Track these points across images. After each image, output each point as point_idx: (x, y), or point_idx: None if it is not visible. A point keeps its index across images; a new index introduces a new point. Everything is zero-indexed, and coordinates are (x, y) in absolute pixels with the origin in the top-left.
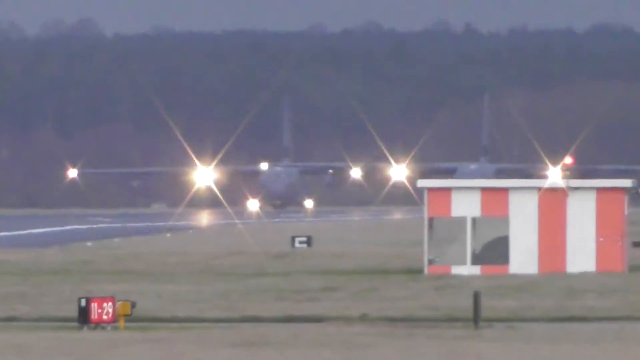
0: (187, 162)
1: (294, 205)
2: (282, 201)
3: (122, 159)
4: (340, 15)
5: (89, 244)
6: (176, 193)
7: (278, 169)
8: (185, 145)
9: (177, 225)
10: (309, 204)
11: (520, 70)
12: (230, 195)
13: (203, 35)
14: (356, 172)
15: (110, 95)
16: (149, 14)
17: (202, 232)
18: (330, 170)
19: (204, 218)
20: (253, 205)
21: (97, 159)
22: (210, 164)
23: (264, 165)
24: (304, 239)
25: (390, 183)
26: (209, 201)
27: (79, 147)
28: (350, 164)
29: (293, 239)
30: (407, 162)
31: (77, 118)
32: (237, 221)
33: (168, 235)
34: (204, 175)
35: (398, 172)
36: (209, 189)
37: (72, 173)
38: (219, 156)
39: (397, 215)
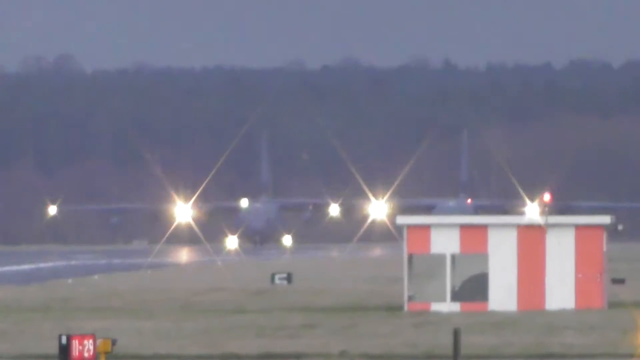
0: (166, 199)
1: (272, 241)
2: (260, 237)
3: (102, 196)
4: (319, 51)
5: (69, 281)
6: (156, 229)
7: (257, 205)
8: (164, 181)
9: (157, 262)
10: (287, 240)
11: (498, 106)
12: (209, 231)
13: (182, 71)
14: (334, 209)
15: (90, 131)
16: (128, 49)
17: (182, 269)
18: (310, 207)
19: (184, 255)
20: (232, 241)
21: (77, 195)
22: (189, 200)
23: (244, 202)
24: (284, 275)
25: (370, 220)
26: (188, 237)
27: (59, 183)
28: (329, 200)
29: (273, 275)
30: (386, 198)
31: (57, 154)
32: (216, 258)
33: (149, 272)
34: (183, 212)
35: (378, 209)
36: (188, 225)
37: (52, 210)
38: (197, 192)
39: (377, 251)
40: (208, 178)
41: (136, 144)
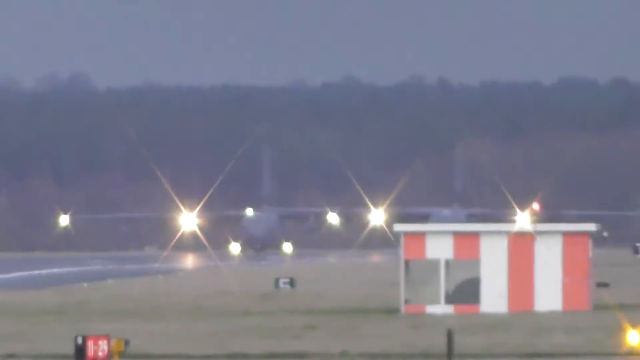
0: (173, 208)
1: (273, 248)
2: (261, 244)
3: (114, 206)
4: (320, 70)
5: (84, 285)
6: (165, 237)
7: (258, 214)
8: (171, 192)
9: (166, 267)
10: (287, 247)
11: (490, 121)
12: (213, 238)
13: (191, 88)
14: (334, 217)
15: (102, 145)
16: (139, 68)
17: (190, 274)
18: (312, 217)
19: (191, 261)
20: (235, 248)
21: (90, 205)
22: (195, 210)
23: (249, 211)
24: (287, 280)
25: (369, 227)
26: (194, 244)
27: (73, 195)
28: (329, 209)
29: (277, 280)
30: (384, 207)
31: (71, 167)
32: (221, 264)
33: (159, 277)
34: (189, 220)
35: (376, 216)
36: (194, 233)
37: (64, 219)
38: (202, 202)
39: (375, 257)
40: (212, 189)
41: (146, 157)
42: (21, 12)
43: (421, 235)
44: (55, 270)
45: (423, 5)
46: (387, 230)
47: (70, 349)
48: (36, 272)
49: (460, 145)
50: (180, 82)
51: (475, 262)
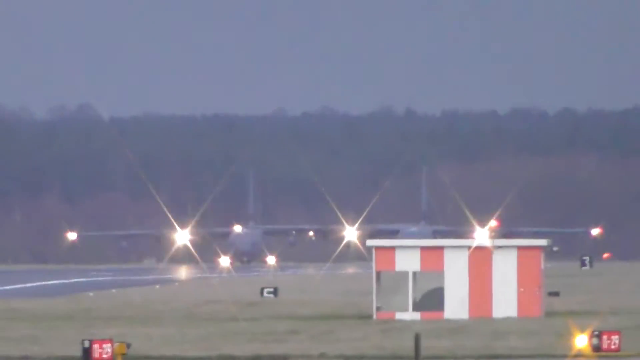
0: (169, 225)
1: (258, 261)
2: (247, 258)
3: (118, 223)
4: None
5: (90, 294)
6: (160, 251)
7: (245, 230)
8: (167, 210)
9: (163, 278)
10: (271, 260)
11: (452, 146)
12: (204, 252)
13: (185, 118)
14: (312, 233)
15: (107, 168)
16: (139, 99)
17: (184, 284)
18: (294, 232)
19: (185, 272)
20: (224, 261)
21: (96, 222)
22: (187, 227)
23: (237, 227)
24: (272, 289)
25: (344, 242)
26: (187, 257)
27: (81, 212)
28: (307, 226)
29: (262, 289)
30: (357, 224)
31: (79, 188)
32: (211, 275)
33: (157, 287)
34: (182, 236)
35: (351, 233)
36: (187, 248)
37: (72, 235)
38: (195, 219)
39: (350, 269)
40: (203, 207)
41: (145, 179)
42: (33, 49)
43: (391, 249)
44: (64, 280)
45: (393, 43)
46: (360, 245)
47: (77, 352)
48: (48, 282)
49: (426, 168)
50: (175, 112)
51: (440, 274)
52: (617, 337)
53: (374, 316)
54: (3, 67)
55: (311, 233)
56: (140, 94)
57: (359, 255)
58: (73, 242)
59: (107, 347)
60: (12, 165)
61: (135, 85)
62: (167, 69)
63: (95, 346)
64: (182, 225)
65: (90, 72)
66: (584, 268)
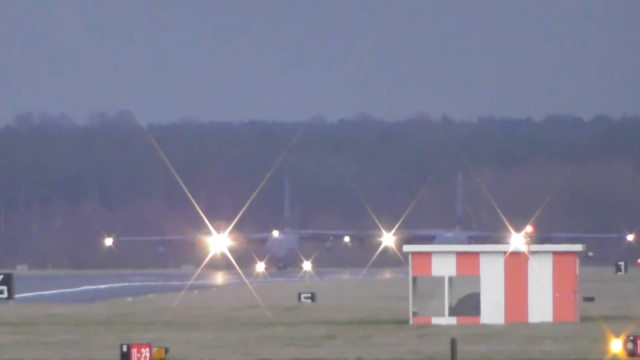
0: (206, 231)
1: (294, 266)
2: (283, 263)
3: (156, 229)
4: (337, 108)
5: (129, 299)
6: (199, 256)
7: (281, 236)
8: (204, 217)
9: (201, 283)
10: (307, 265)
11: (488, 153)
12: (242, 258)
13: (223, 124)
14: (349, 239)
15: (145, 175)
16: (177, 106)
17: (222, 289)
18: (331, 237)
19: (222, 278)
20: (260, 267)
21: (135, 228)
22: (225, 232)
23: (275, 233)
24: (309, 294)
25: (381, 248)
26: (224, 263)
27: (119, 218)
28: (343, 232)
29: (299, 294)
30: (394, 231)
31: (118, 194)
32: (248, 280)
33: (195, 292)
34: (220, 242)
35: (388, 239)
36: (224, 253)
37: (108, 241)
38: (232, 225)
39: (387, 275)
40: (241, 213)
41: (183, 185)
42: (74, 57)
43: (427, 255)
44: (103, 286)
45: (429, 51)
46: (397, 250)
47: (116, 356)
48: (86, 287)
49: (461, 174)
50: (213, 119)
51: (476, 279)
52: None
53: (411, 321)
54: (44, 74)
55: (347, 239)
56: (178, 101)
57: (395, 261)
58: (110, 247)
59: (146, 352)
60: (52, 171)
61: (173, 93)
62: (206, 76)
63: (134, 350)
64: (220, 231)
65: (129, 80)
66: (619, 273)
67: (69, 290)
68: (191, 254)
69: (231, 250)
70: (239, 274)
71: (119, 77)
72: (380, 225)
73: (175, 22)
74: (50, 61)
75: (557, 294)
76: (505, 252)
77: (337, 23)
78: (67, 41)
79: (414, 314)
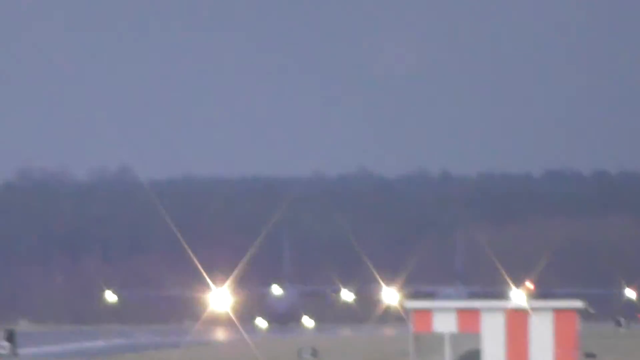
0: (207, 287)
1: (294, 322)
2: (284, 319)
3: (157, 284)
4: (336, 163)
5: (128, 355)
6: (198, 312)
7: (281, 292)
8: (203, 272)
9: (201, 339)
10: (307, 321)
11: (486, 208)
12: (242, 313)
13: (223, 180)
14: (349, 294)
15: (145, 230)
16: (177, 162)
17: (222, 345)
18: (333, 293)
19: (223, 333)
20: (261, 322)
21: (135, 284)
22: (225, 287)
23: (274, 288)
24: (309, 350)
25: (384, 305)
26: (225, 319)
27: (120, 273)
28: (341, 287)
29: (299, 350)
30: (398, 287)
31: (118, 249)
32: (249, 336)
33: (195, 348)
34: (220, 298)
35: (391, 296)
36: (224, 309)
37: (111, 297)
38: (231, 281)
39: (388, 330)
40: (239, 267)
41: (183, 241)
42: (74, 112)
43: (429, 311)
44: (103, 342)
45: (428, 106)
46: (399, 306)
47: None
48: (86, 344)
49: (460, 229)
50: (213, 174)
51: (477, 335)
52: None
53: None
54: (44, 128)
55: (349, 294)
56: (178, 157)
57: (396, 316)
58: (112, 302)
59: None
60: (52, 226)
61: (173, 149)
62: (204, 133)
63: None
64: (219, 287)
65: (129, 136)
66: (619, 329)
67: (71, 346)
68: (192, 310)
69: (231, 306)
70: (239, 329)
71: (119, 130)
72: (379, 279)
73: (176, 77)
74: (48, 115)
75: (559, 350)
76: (506, 309)
77: (335, 78)
78: (66, 94)
79: None
